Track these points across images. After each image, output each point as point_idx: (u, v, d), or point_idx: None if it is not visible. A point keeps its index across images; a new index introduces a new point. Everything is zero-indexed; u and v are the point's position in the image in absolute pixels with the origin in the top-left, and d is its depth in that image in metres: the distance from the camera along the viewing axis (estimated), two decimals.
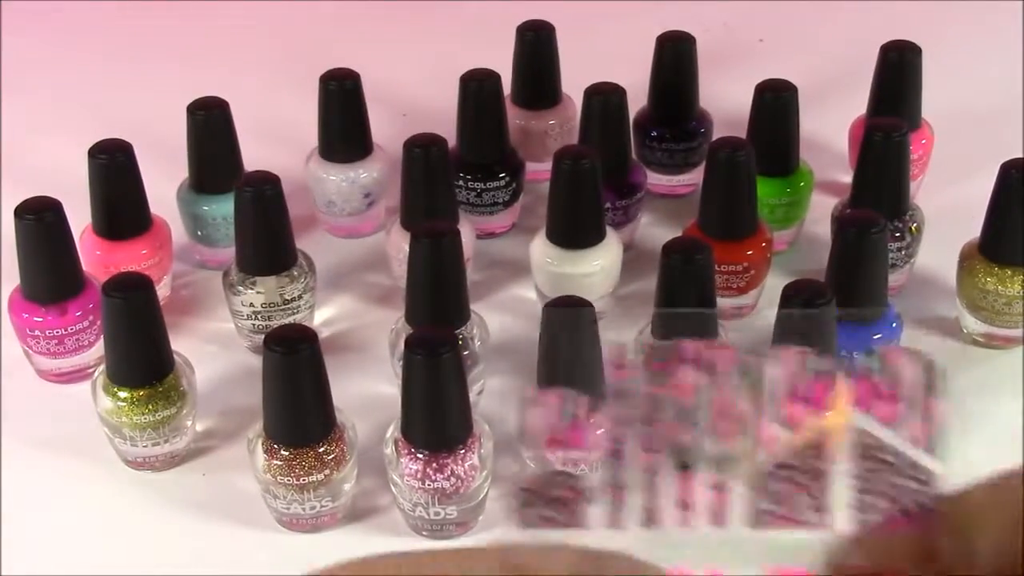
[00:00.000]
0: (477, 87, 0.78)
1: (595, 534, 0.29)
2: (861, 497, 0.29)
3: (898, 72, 0.80)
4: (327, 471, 0.60)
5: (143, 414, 0.63)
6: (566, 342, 0.61)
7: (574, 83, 0.81)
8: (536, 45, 0.83)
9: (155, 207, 0.75)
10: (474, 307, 0.68)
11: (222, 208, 0.76)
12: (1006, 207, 0.69)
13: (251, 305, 0.71)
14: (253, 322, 0.71)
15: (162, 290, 0.74)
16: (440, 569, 0.27)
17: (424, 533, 0.62)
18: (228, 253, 0.73)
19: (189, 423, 0.66)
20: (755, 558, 0.29)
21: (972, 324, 0.73)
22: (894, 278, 0.72)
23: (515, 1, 0.87)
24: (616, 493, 0.29)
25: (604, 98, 0.76)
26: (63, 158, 0.80)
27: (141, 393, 0.63)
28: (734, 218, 0.72)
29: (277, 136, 0.86)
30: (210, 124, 0.76)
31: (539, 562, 0.27)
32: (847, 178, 0.79)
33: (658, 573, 0.27)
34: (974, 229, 0.71)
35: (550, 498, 0.29)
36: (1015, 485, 0.27)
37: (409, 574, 0.27)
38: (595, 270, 0.72)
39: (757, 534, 0.29)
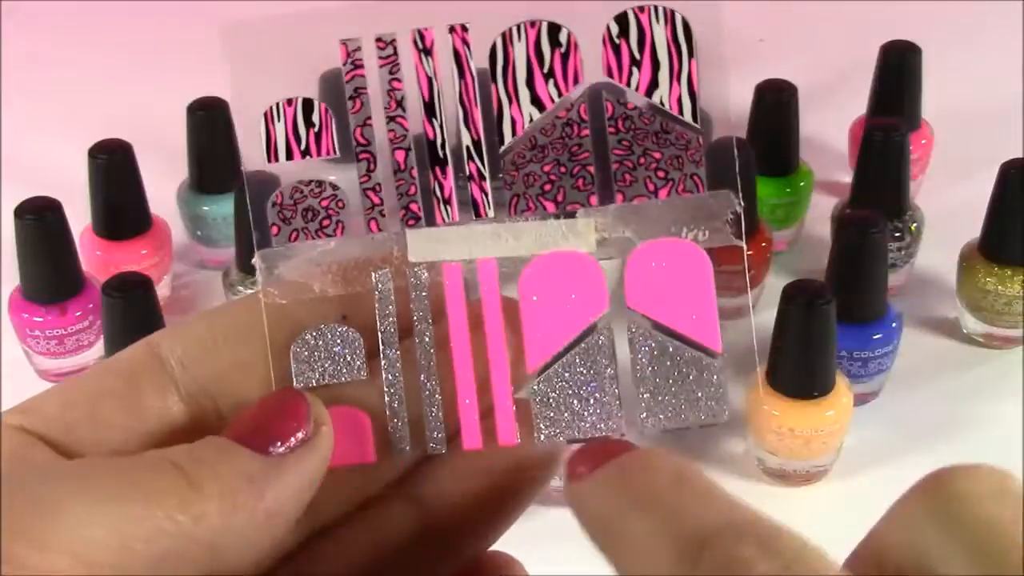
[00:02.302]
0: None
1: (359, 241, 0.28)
2: (625, 170, 0.28)
3: (898, 72, 0.79)
4: None
5: None
6: None
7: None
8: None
9: (155, 207, 0.75)
10: None
11: (222, 208, 0.76)
12: (1006, 207, 0.69)
13: None
14: None
15: (162, 290, 0.74)
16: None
17: None
18: (228, 253, 0.73)
19: None
20: (527, 246, 0.27)
21: (972, 324, 0.73)
22: (894, 278, 0.72)
23: (515, 1, 0.87)
24: (373, 195, 0.28)
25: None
26: (63, 158, 0.80)
27: None
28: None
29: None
30: (210, 124, 0.76)
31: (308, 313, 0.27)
32: (847, 178, 0.79)
33: (437, 288, 0.27)
34: (974, 229, 0.71)
35: (304, 208, 0.29)
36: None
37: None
38: None
39: (523, 223, 0.27)
